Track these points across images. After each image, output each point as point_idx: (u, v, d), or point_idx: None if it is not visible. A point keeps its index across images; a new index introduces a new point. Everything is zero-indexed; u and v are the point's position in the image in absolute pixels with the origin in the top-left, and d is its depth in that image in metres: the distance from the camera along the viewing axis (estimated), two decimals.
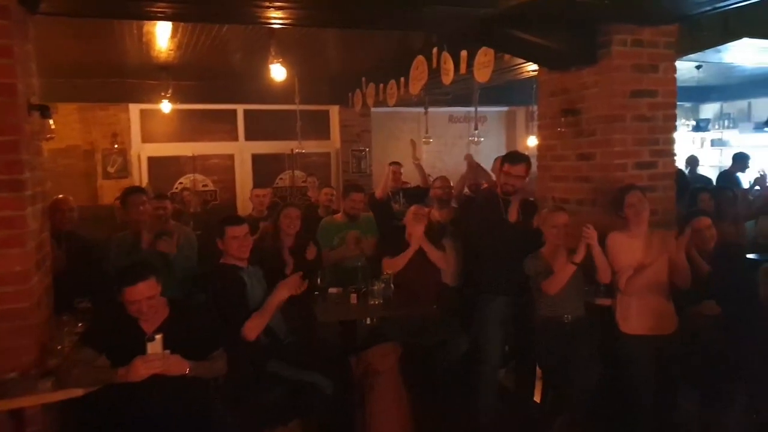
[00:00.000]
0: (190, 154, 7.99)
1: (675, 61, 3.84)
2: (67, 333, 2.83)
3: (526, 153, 4.54)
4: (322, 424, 3.32)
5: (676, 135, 3.92)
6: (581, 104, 3.83)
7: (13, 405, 2.26)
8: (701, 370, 3.19)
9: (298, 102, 7.09)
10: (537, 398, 3.96)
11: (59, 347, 2.71)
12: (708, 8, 3.55)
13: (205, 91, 7.63)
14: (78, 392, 2.34)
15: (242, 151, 8.38)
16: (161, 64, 6.48)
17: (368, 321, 3.82)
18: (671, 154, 3.87)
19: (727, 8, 3.54)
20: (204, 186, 8.11)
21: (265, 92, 7.30)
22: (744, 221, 5.47)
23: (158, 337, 2.44)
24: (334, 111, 8.66)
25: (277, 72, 5.18)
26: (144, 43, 5.71)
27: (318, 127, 8.55)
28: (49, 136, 2.85)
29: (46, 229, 2.96)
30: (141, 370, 2.39)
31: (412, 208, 4.16)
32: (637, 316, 3.18)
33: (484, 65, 5.05)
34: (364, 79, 7.52)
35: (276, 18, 3.57)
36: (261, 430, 3.12)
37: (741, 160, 6.94)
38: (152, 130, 7.98)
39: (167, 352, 2.46)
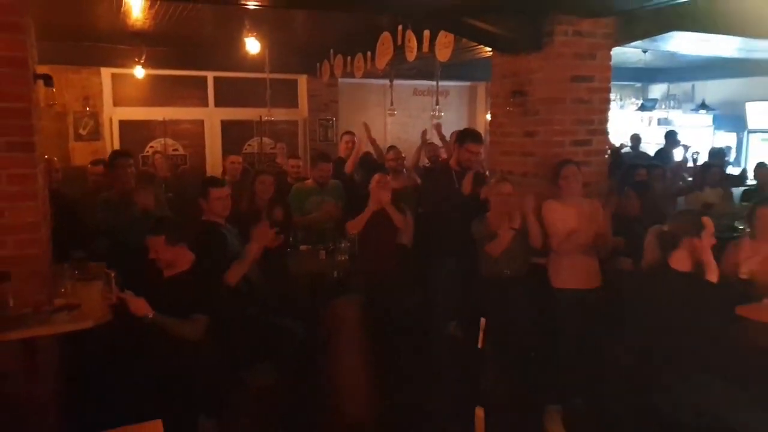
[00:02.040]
0: (161, 119, 8.21)
1: (611, 49, 4.35)
2: (69, 277, 3.24)
3: (487, 129, 5.05)
4: (293, 366, 3.81)
5: (623, 113, 4.47)
6: (528, 87, 4.32)
7: (31, 333, 2.66)
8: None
9: (268, 71, 7.41)
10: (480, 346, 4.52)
11: (63, 290, 3.12)
12: (641, 4, 4.06)
13: (176, 58, 7.83)
14: (88, 324, 2.75)
15: (212, 117, 8.64)
16: (135, 30, 6.67)
17: (335, 274, 4.30)
18: (605, 133, 4.42)
19: (659, 4, 4.06)
20: (174, 150, 8.36)
21: (236, 60, 7.58)
22: (676, 194, 6.14)
23: (111, 274, 2.90)
24: (303, 80, 8.96)
25: (252, 45, 5.50)
26: (119, 10, 5.91)
27: (286, 95, 8.84)
28: (52, 102, 3.18)
29: (46, 186, 3.32)
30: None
31: (376, 176, 4.61)
32: (567, 272, 3.74)
33: (444, 45, 5.48)
34: (332, 50, 7.84)
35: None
36: (239, 369, 3.58)
37: (671, 138, 7.60)
38: (124, 94, 8.15)
39: (129, 292, 2.91)
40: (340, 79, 8.42)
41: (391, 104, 7.77)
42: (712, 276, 2.75)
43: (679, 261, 2.90)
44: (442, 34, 5.36)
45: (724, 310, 2.60)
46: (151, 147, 8.18)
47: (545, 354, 3.81)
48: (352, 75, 7.45)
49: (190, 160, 8.51)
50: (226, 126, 8.68)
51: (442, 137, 5.95)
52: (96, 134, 7.88)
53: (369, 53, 6.86)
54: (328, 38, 7.62)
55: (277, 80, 8.22)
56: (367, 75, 7.31)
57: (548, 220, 3.80)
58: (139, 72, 7.49)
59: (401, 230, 4.48)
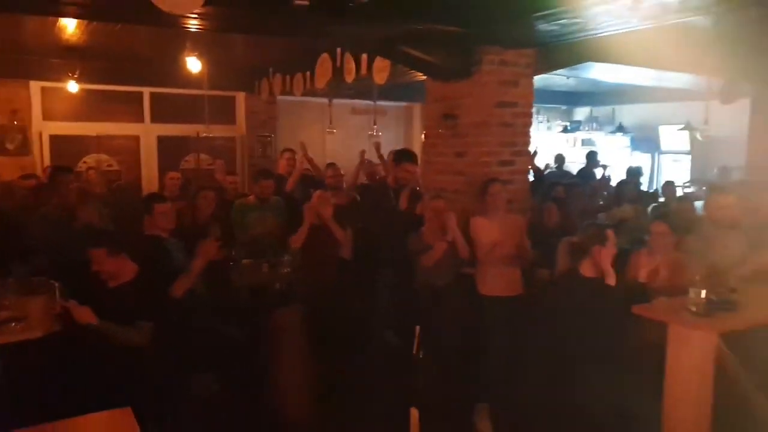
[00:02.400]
0: (95, 134, 8.18)
1: (533, 78, 4.84)
2: (13, 292, 3.34)
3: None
4: (236, 374, 4.01)
5: (550, 134, 4.93)
6: (458, 111, 4.73)
7: None
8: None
9: (207, 88, 7.58)
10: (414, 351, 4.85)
11: (6, 302, 3.23)
12: (557, 39, 4.56)
13: (111, 73, 7.84)
14: (37, 333, 2.88)
15: (148, 132, 8.66)
16: (68, 44, 6.68)
17: (278, 286, 4.52)
18: (527, 154, 4.88)
19: (573, 39, 4.57)
20: (108, 166, 8.33)
21: (173, 76, 7.68)
22: (595, 211, 6.70)
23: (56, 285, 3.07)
24: (241, 97, 9.14)
25: (193, 65, 5.68)
26: (54, 25, 5.95)
27: (224, 112, 8.99)
28: None
29: None
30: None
31: (317, 193, 4.89)
32: (492, 281, 4.13)
33: (381, 69, 5.85)
34: (271, 69, 8.08)
35: (194, 23, 4.10)
36: (183, 377, 3.75)
37: (592, 159, 8.29)
38: (55, 109, 8.07)
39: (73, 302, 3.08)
40: (278, 97, 8.66)
41: (330, 123, 8.10)
42: (611, 281, 3.20)
43: (587, 268, 3.34)
44: (378, 58, 5.73)
45: (623, 310, 3.03)
46: (84, 162, 8.12)
47: (474, 356, 4.17)
48: (291, 93, 7.72)
49: (124, 175, 8.49)
50: (163, 142, 8.72)
51: (380, 156, 6.30)
52: (24, 149, 7.77)
53: (308, 73, 7.16)
54: (267, 57, 7.86)
55: (216, 97, 8.38)
56: (306, 93, 7.61)
57: (475, 234, 4.19)
58: (72, 87, 7.48)
59: (341, 244, 4.77)
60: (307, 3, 3.37)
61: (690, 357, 2.71)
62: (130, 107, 8.55)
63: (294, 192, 5.99)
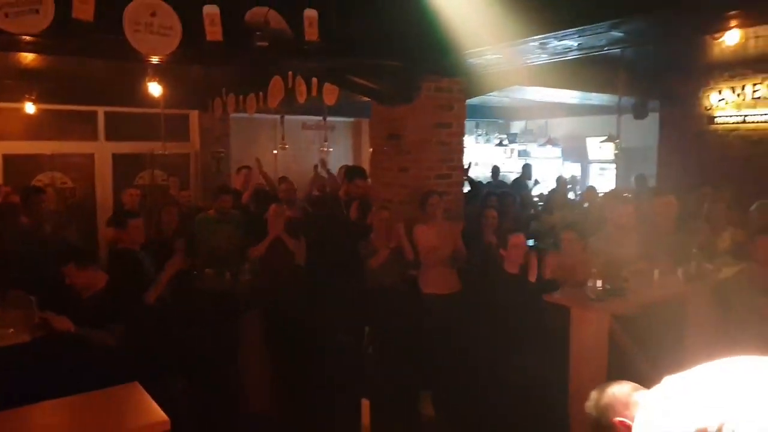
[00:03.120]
0: (49, 153, 8.43)
1: (465, 102, 5.52)
2: None
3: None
4: (203, 374, 4.46)
5: (488, 147, 5.60)
6: (401, 131, 5.35)
7: None
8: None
9: (163, 107, 7.96)
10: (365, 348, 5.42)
11: None
12: (484, 69, 5.24)
13: (65, 93, 8.08)
14: (25, 338, 3.28)
15: (102, 150, 8.93)
16: (23, 66, 6.95)
17: (239, 292, 5.00)
18: (461, 168, 5.56)
19: (497, 69, 5.28)
20: (63, 183, 8.57)
21: (127, 96, 8.04)
22: (527, 218, 7.46)
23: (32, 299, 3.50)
24: (194, 115, 9.54)
25: (155, 89, 6.11)
26: None
27: (178, 129, 9.34)
28: None
29: None
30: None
31: (273, 206, 5.41)
32: (433, 280, 4.74)
33: (330, 92, 6.42)
34: (224, 89, 8.54)
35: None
36: (154, 378, 4.19)
37: (527, 170, 9.11)
38: (7, 128, 8.28)
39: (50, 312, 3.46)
40: (231, 114, 9.11)
41: (282, 139, 8.62)
42: (532, 276, 3.89)
43: (510, 266, 4.01)
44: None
45: (539, 299, 3.69)
46: (39, 180, 8.35)
47: (417, 348, 4.76)
48: (244, 111, 8.20)
49: (79, 193, 8.74)
50: (118, 159, 9.01)
51: (327, 171, 6.86)
52: None
53: (261, 93, 7.65)
54: (220, 78, 8.33)
55: (170, 115, 8.75)
56: (258, 111, 8.09)
57: (417, 240, 4.80)
58: (29, 108, 7.74)
59: (295, 253, 5.30)
60: (266, 44, 3.93)
61: (589, 334, 3.38)
62: (84, 126, 8.81)
63: (249, 205, 6.49)
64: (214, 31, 3.88)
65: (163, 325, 4.24)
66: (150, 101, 7.81)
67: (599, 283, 3.50)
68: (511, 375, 3.82)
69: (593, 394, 1.94)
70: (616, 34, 3.78)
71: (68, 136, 8.67)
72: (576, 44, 4.02)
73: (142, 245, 4.51)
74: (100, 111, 8.82)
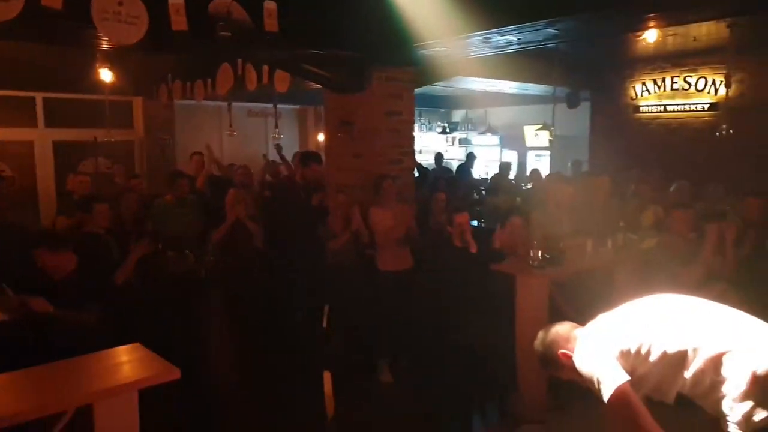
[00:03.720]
0: None
1: (413, 91, 5.91)
2: None
3: (319, 148, 6.29)
4: (170, 348, 4.69)
5: (431, 135, 6.01)
6: (354, 118, 5.69)
7: None
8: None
9: (108, 93, 7.96)
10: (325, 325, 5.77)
11: None
12: (431, 60, 5.65)
13: (1, 78, 7.98)
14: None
15: (42, 138, 8.82)
16: None
17: (203, 273, 5.25)
18: (412, 154, 5.96)
19: (441, 60, 5.70)
20: (1, 171, 8.43)
21: (68, 81, 7.98)
22: (471, 204, 7.95)
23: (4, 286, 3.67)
24: (138, 102, 9.53)
25: (106, 75, 6.19)
26: None
27: (122, 116, 9.32)
28: None
29: None
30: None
31: (232, 191, 5.66)
32: (387, 258, 5.13)
33: (282, 79, 6.67)
34: (170, 75, 8.60)
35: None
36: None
37: (470, 158, 9.65)
38: None
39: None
40: (176, 101, 9.16)
41: (230, 126, 8.77)
42: (472, 249, 4.37)
43: (457, 241, 4.46)
44: (280, 70, 6.55)
45: (486, 269, 4.14)
46: None
47: (374, 321, 5.14)
48: (192, 98, 8.30)
49: (18, 181, 8.60)
50: (59, 147, 8.92)
51: (282, 157, 7.10)
52: None
53: (209, 80, 7.79)
54: (166, 64, 8.39)
55: (113, 101, 8.72)
56: (206, 98, 8.22)
57: (372, 221, 5.17)
58: None
59: (254, 235, 5.57)
60: (229, 34, 4.18)
61: (531, 297, 3.85)
62: (22, 112, 8.67)
63: (204, 190, 6.68)
64: (179, 21, 4.11)
65: (133, 305, 4.45)
66: (92, 87, 7.78)
67: (540, 253, 3.98)
68: (463, 339, 4.26)
69: (540, 334, 2.38)
70: (552, 31, 4.26)
71: (5, 123, 8.51)
72: (516, 39, 4.48)
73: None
74: (39, 97, 8.70)
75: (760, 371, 1.82)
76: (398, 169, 5.72)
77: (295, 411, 4.51)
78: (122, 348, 2.57)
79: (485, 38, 4.44)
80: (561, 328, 2.31)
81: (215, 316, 4.97)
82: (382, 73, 5.54)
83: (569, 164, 9.26)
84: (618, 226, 4.64)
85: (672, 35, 6.55)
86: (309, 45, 4.80)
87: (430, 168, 9.60)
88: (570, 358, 2.19)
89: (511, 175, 9.41)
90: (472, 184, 8.95)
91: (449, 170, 9.74)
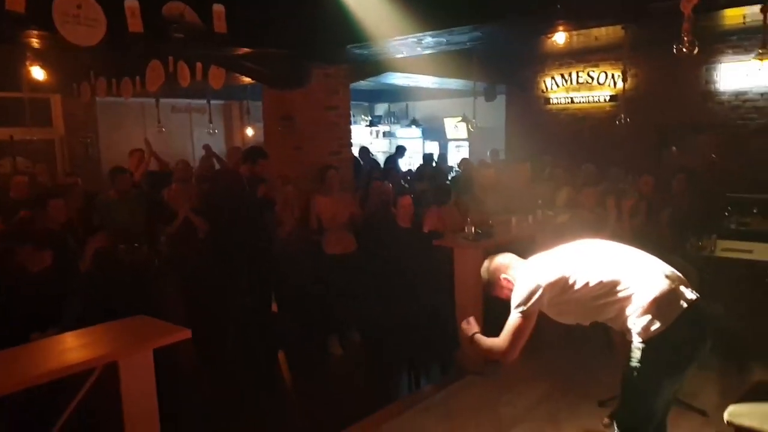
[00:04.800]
0: None
1: (349, 86, 6.45)
2: None
3: (246, 142, 6.64)
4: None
5: (357, 128, 6.54)
6: (294, 113, 6.15)
7: None
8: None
9: (26, 89, 7.93)
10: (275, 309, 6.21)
11: None
12: (366, 59, 6.21)
13: None
14: None
15: None
16: None
17: (156, 263, 5.54)
18: (349, 146, 6.50)
19: (376, 58, 6.26)
20: None
21: None
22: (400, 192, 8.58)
23: None
24: (57, 99, 9.46)
25: (38, 74, 6.29)
26: None
27: (39, 114, 9.22)
28: None
29: None
30: None
31: (174, 186, 5.97)
32: (333, 243, 5.64)
33: (217, 76, 6.97)
34: (92, 72, 8.63)
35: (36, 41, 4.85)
36: None
37: (400, 150, 10.32)
38: None
39: None
40: (97, 99, 9.18)
41: (159, 122, 8.95)
42: (426, 229, 5.00)
43: (402, 221, 5.07)
44: (214, 65, 6.86)
45: (428, 245, 4.77)
46: None
47: (322, 300, 5.65)
48: (118, 96, 8.38)
49: None
50: None
51: (214, 154, 7.44)
52: None
53: (138, 77, 7.92)
54: (88, 60, 8.39)
55: (29, 99, 8.63)
56: (134, 96, 8.34)
57: (318, 209, 5.67)
58: None
59: (199, 228, 5.91)
60: (182, 36, 4.56)
61: (468, 266, 4.52)
62: None
63: (142, 185, 6.92)
64: (135, 23, 4.45)
65: (95, 295, 4.74)
66: (6, 84, 7.69)
67: (473, 228, 4.66)
68: (408, 308, 4.87)
69: (485, 263, 2.96)
70: (477, 33, 4.93)
71: None
72: (445, 40, 5.11)
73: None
74: None
75: (656, 294, 2.48)
76: (338, 160, 6.25)
77: (252, 388, 4.96)
78: (132, 318, 2.96)
79: (419, 39, 5.04)
80: (504, 258, 2.89)
81: (172, 304, 5.28)
82: (320, 70, 6.05)
83: (488, 153, 10.11)
84: (537, 204, 5.41)
85: (577, 35, 7.46)
86: (253, 44, 5.23)
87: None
88: (509, 281, 2.79)
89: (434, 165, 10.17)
90: (401, 174, 9.59)
91: (377, 162, 10.32)
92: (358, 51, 5.66)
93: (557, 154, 7.95)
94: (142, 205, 6.17)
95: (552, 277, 2.62)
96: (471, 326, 2.84)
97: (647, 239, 4.56)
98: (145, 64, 7.50)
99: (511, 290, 2.73)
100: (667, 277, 2.56)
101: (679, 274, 2.62)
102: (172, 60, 7.20)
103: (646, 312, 2.47)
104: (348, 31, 5.22)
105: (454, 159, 11.18)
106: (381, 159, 10.72)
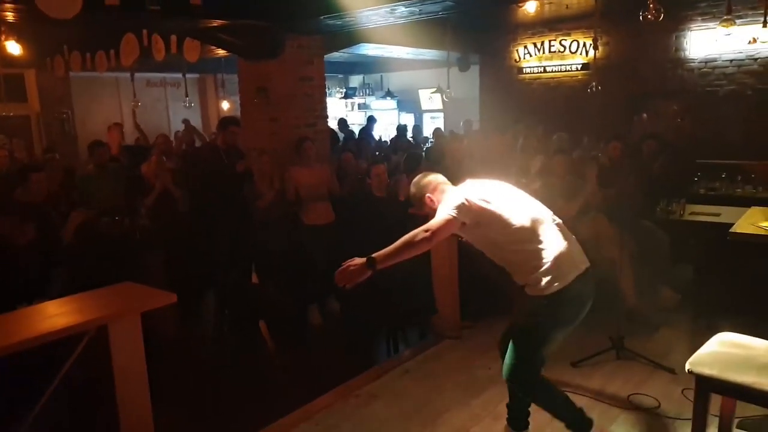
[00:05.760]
0: None
1: (323, 57, 6.48)
2: None
3: (222, 115, 6.69)
4: None
5: (332, 101, 6.59)
6: (269, 84, 6.17)
7: None
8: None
9: (0, 66, 7.82)
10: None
11: None
12: (340, 29, 6.23)
13: None
14: None
15: None
16: None
17: (138, 236, 5.60)
18: (325, 117, 6.55)
19: (349, 28, 6.29)
20: None
21: None
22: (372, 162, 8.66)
23: None
24: (31, 74, 9.32)
25: (14, 48, 6.21)
26: None
27: (13, 90, 9.09)
28: None
29: None
30: None
31: (154, 158, 6.00)
32: (311, 213, 5.72)
33: (192, 48, 6.95)
34: (65, 46, 8.51)
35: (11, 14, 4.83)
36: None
37: (371, 121, 10.38)
38: None
39: None
40: (71, 73, 9.07)
41: (134, 96, 8.90)
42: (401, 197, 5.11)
43: (377, 191, 5.17)
44: (189, 38, 6.83)
45: (403, 213, 4.88)
46: None
47: (301, 270, 5.76)
48: (92, 70, 8.29)
49: None
50: None
51: (193, 128, 7.46)
52: None
53: (112, 51, 7.84)
54: (61, 34, 8.27)
55: (4, 75, 8.51)
56: (108, 70, 8.26)
57: (296, 180, 5.74)
58: None
59: (178, 200, 5.96)
60: (158, 8, 4.56)
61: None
62: None
63: (120, 158, 6.94)
64: None
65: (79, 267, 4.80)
66: None
67: None
68: (386, 277, 5.00)
69: (417, 177, 3.04)
70: (449, 2, 4.98)
71: None
72: (418, 10, 5.16)
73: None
74: None
75: (560, 253, 2.65)
76: (313, 132, 6.30)
77: (234, 357, 5.07)
78: (121, 284, 3.05)
79: (392, 9, 5.08)
80: (434, 178, 2.98)
81: (154, 275, 5.35)
82: (294, 41, 6.06)
83: (461, 123, 10.22)
84: (511, 172, 5.55)
85: (548, 4, 7.53)
86: (228, 16, 5.23)
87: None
88: (433, 201, 2.91)
89: (408, 136, 10.26)
90: (374, 145, 9.69)
91: (353, 133, 10.39)
92: (331, 21, 5.66)
93: (530, 123, 8.08)
94: (121, 178, 6.20)
95: (478, 202, 2.72)
96: (354, 260, 2.78)
97: (619, 206, 4.75)
98: (119, 37, 7.46)
99: (433, 210, 2.84)
100: (568, 239, 2.74)
101: (574, 238, 2.80)
102: (147, 33, 7.20)
103: (550, 269, 2.64)
104: (321, 1, 5.25)
105: (429, 130, 11.26)
106: (357, 131, 10.78)
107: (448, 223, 2.67)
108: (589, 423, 2.89)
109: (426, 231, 2.65)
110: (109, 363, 2.61)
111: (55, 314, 2.60)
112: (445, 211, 2.70)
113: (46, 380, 2.53)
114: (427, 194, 2.92)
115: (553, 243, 2.69)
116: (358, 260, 2.69)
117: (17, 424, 2.55)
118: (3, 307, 3.75)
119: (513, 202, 2.81)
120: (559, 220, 2.85)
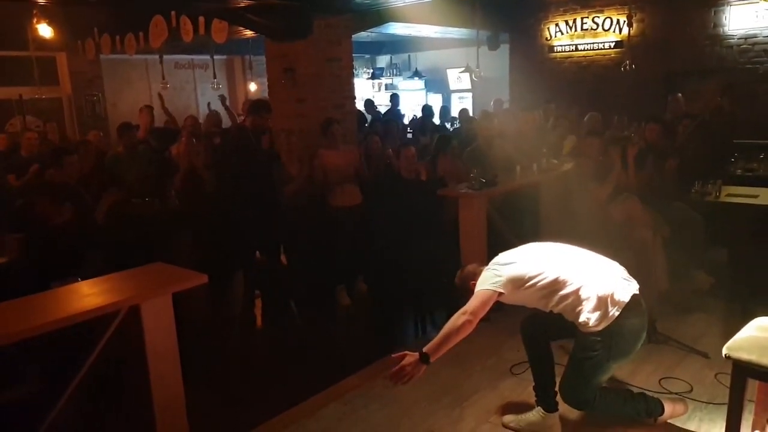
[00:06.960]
0: None
1: (351, 37, 6.41)
2: None
3: (249, 97, 6.67)
4: None
5: (359, 81, 6.54)
6: (296, 65, 6.13)
7: None
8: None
9: (33, 49, 7.93)
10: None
11: None
12: (368, 7, 6.17)
13: None
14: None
15: None
16: None
17: (167, 217, 5.65)
18: (353, 98, 6.50)
19: (378, 7, 6.22)
20: None
21: None
22: (403, 143, 8.61)
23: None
24: (62, 58, 9.44)
25: (45, 31, 6.29)
26: None
27: (46, 73, 9.24)
28: None
29: None
30: None
31: (184, 141, 6.03)
32: (339, 195, 5.70)
33: (220, 29, 6.96)
34: (96, 29, 8.59)
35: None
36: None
37: (395, 99, 10.29)
38: None
39: None
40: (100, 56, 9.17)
41: (163, 78, 8.94)
42: (423, 177, 5.07)
43: (406, 173, 5.14)
44: (216, 19, 6.83)
45: (432, 195, 4.86)
46: None
47: (329, 251, 5.77)
48: (122, 53, 8.37)
49: None
50: None
51: (227, 108, 7.48)
52: None
53: (141, 33, 7.90)
54: (92, 17, 8.36)
55: (36, 58, 8.64)
56: (138, 52, 8.33)
57: (323, 162, 5.72)
58: None
59: (206, 181, 6.00)
60: None
61: (473, 215, 4.59)
62: None
63: (149, 140, 7.00)
64: None
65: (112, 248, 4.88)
66: (12, 43, 7.70)
67: (478, 177, 4.73)
68: (414, 259, 4.98)
69: (458, 273, 3.26)
70: None
71: None
72: None
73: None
74: None
75: (601, 294, 2.79)
76: (341, 113, 6.26)
77: (264, 340, 5.11)
78: (152, 264, 3.09)
79: None
80: (470, 267, 3.21)
81: (184, 256, 5.42)
82: (321, 21, 6.01)
83: (491, 103, 10.07)
84: (542, 152, 5.46)
85: None
86: None
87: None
88: (475, 285, 3.02)
89: (436, 117, 10.16)
90: (402, 126, 9.61)
91: (381, 114, 10.32)
92: (359, 0, 5.61)
93: (562, 103, 7.92)
94: (151, 160, 6.26)
95: (512, 274, 2.89)
96: (407, 355, 2.72)
97: (652, 189, 4.64)
98: (148, 19, 7.51)
99: None
100: (611, 275, 2.90)
101: (622, 269, 2.97)
102: (175, 15, 7.22)
103: (596, 307, 2.80)
104: None
105: (457, 111, 11.12)
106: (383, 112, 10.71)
107: (484, 298, 2.83)
108: (656, 404, 3.09)
109: (464, 313, 2.78)
110: (141, 342, 2.65)
111: (89, 294, 2.64)
112: (479, 288, 2.90)
113: (79, 362, 2.58)
114: (471, 282, 3.07)
115: (593, 283, 2.84)
116: (410, 357, 2.70)
117: (51, 404, 2.60)
118: (37, 286, 3.87)
119: (543, 255, 2.99)
120: (601, 257, 3.03)
